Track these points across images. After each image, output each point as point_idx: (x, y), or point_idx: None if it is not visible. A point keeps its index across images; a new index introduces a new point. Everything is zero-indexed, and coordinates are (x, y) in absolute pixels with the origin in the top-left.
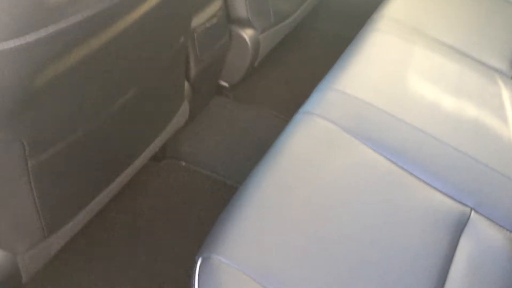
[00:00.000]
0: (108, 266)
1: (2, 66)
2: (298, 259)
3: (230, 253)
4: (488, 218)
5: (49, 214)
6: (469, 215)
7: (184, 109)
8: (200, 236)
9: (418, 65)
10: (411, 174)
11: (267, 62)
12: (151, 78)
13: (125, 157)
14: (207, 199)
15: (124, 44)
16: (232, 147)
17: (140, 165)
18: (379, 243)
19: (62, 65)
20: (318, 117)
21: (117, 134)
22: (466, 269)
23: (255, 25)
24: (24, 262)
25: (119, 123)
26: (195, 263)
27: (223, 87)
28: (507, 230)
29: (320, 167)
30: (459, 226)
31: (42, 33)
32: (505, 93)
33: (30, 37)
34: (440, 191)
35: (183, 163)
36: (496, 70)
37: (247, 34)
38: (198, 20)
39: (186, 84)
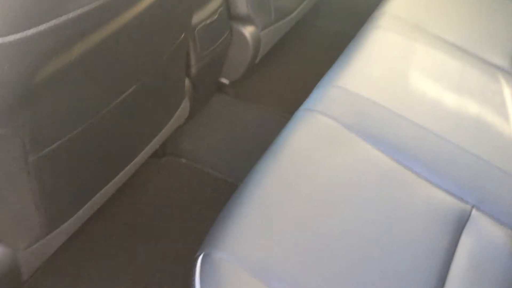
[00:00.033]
0: (108, 263)
1: (2, 61)
2: (299, 255)
3: (231, 249)
4: (490, 215)
5: (49, 210)
6: (470, 212)
7: (185, 106)
8: (200, 234)
9: (420, 62)
10: (413, 171)
11: (268, 59)
12: (152, 75)
13: (125, 154)
14: (208, 196)
15: (124, 40)
16: (232, 144)
17: (140, 162)
18: (380, 239)
19: (62, 61)
20: (319, 114)
21: (118, 131)
22: (467, 266)
23: (256, 22)
24: (24, 258)
25: (119, 119)
26: (196, 260)
27: (223, 84)
28: (509, 227)
29: (321, 164)
30: (460, 223)
31: (43, 27)
32: (506, 90)
33: (31, 32)
34: (442, 188)
35: (184, 160)
36: (498, 68)
37: (247, 31)
38: (199, 16)
39: (187, 81)
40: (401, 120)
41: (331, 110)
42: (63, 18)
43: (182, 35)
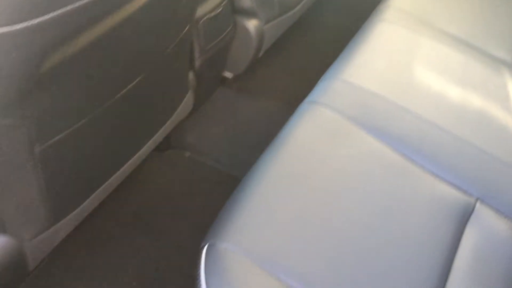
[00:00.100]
0: (112, 254)
1: (10, 49)
2: (303, 246)
3: (236, 240)
4: (493, 208)
5: (54, 201)
6: (474, 205)
7: (189, 100)
8: (204, 226)
9: (424, 55)
10: (417, 163)
11: (271, 53)
12: (156, 67)
13: (130, 146)
14: (211, 189)
15: (129, 30)
16: (236, 138)
17: (144, 155)
18: (384, 231)
19: (69, 50)
20: (323, 106)
21: (122, 123)
22: (470, 259)
23: (259, 15)
24: (30, 249)
25: (124, 111)
26: (201, 250)
27: (227, 78)
28: None
29: (325, 156)
30: (464, 216)
31: (49, 16)
32: (510, 84)
33: (38, 21)
34: (445, 181)
35: (187, 154)
36: (502, 61)
37: (251, 24)
38: (203, 9)
39: (191, 74)
40: (405, 113)
41: (335, 102)
42: (70, 7)
43: (186, 28)
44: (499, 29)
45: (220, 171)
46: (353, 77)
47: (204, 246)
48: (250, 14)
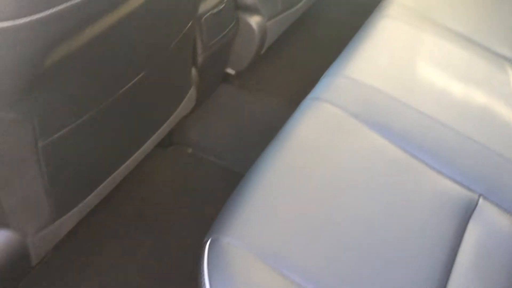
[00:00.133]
0: (115, 250)
1: (13, 44)
2: (305, 241)
3: (239, 234)
4: (496, 205)
5: (57, 196)
6: (477, 202)
7: (191, 96)
8: (206, 222)
9: (427, 51)
10: (419, 160)
11: (274, 50)
12: (159, 63)
13: (132, 142)
14: (214, 185)
15: (132, 26)
16: (238, 134)
17: (147, 150)
18: (386, 227)
19: (72, 45)
20: (326, 102)
21: (125, 118)
22: (473, 255)
23: (262, 12)
24: (33, 244)
25: (127, 107)
26: (204, 245)
27: (229, 74)
28: None
29: (328, 152)
30: (467, 212)
31: (53, 11)
32: None
33: (42, 15)
34: (448, 177)
35: (190, 150)
36: (505, 58)
37: (254, 21)
38: (206, 6)
39: (193, 70)
40: (408, 109)
41: (338, 99)
42: (73, 2)
43: (189, 24)
44: (503, 26)
45: (223, 167)
46: (356, 73)
47: (207, 240)
48: (252, 10)
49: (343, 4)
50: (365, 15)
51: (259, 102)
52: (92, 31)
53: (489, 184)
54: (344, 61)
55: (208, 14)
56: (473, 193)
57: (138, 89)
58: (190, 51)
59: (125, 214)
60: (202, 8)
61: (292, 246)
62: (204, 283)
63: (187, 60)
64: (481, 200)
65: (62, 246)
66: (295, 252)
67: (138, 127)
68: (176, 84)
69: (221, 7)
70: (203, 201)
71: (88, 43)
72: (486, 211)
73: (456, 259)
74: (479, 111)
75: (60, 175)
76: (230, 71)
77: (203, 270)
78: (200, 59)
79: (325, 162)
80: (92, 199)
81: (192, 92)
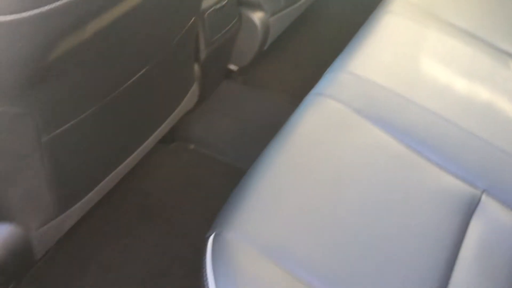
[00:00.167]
0: (118, 245)
1: (17, 37)
2: (309, 236)
3: (242, 229)
4: (500, 200)
5: (61, 191)
6: (480, 197)
7: (194, 92)
8: (208, 218)
9: (430, 47)
10: (422, 155)
11: (277, 46)
12: (162, 58)
13: (135, 138)
14: (216, 181)
15: (135, 20)
16: (241, 130)
17: (149, 146)
18: (389, 223)
19: (76, 39)
20: (329, 98)
21: (128, 114)
22: (476, 251)
23: (265, 7)
24: (37, 238)
25: (130, 102)
26: (207, 240)
27: (232, 70)
28: None
29: (331, 147)
30: (470, 208)
31: (57, 5)
32: None
33: (46, 9)
34: (451, 173)
35: (192, 146)
36: (509, 54)
37: (257, 16)
38: (209, 1)
39: (196, 66)
40: (411, 105)
41: (341, 94)
42: None
43: (192, 20)
44: (506, 22)
45: (225, 164)
46: (360, 69)
47: (210, 235)
48: (255, 6)
49: (346, 0)
50: (368, 11)
51: (261, 98)
52: (95, 26)
53: (492, 180)
54: (347, 57)
55: (211, 9)
56: (476, 189)
57: (141, 85)
58: (192, 47)
59: (127, 209)
60: (205, 3)
61: (295, 240)
62: (207, 278)
63: (190, 56)
64: (484, 196)
65: (65, 241)
66: (298, 247)
67: (140, 122)
68: (179, 79)
69: (224, 2)
70: (206, 197)
71: (90, 38)
72: (489, 207)
73: (459, 255)
74: (483, 107)
75: (62, 170)
76: (233, 67)
77: (205, 264)
78: (203, 55)
79: (328, 158)
80: (94, 195)
81: (194, 88)
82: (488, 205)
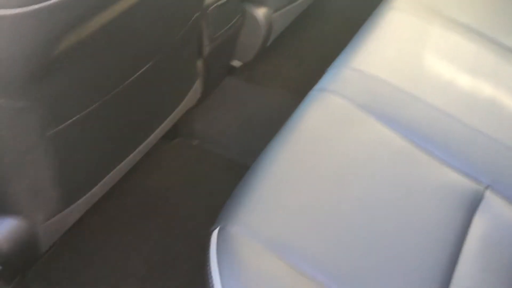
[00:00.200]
0: (121, 241)
1: (24, 31)
2: (312, 230)
3: (247, 223)
4: (503, 196)
5: (65, 186)
6: (484, 193)
7: (197, 88)
8: (212, 213)
9: (434, 44)
10: (426, 151)
11: (280, 42)
12: (166, 54)
13: (138, 133)
14: (219, 177)
15: (139, 15)
16: (244, 126)
17: (152, 142)
18: (392, 218)
19: (81, 33)
20: (333, 94)
21: (132, 109)
22: (479, 247)
23: (268, 3)
24: (42, 232)
25: (134, 98)
26: (211, 234)
27: (235, 66)
28: None
29: (334, 143)
30: (474, 204)
31: None
32: None
33: (51, 2)
34: (455, 168)
35: (195, 142)
36: None
37: (260, 12)
38: None
39: (199, 62)
40: (415, 101)
41: (345, 90)
42: None
43: (195, 15)
44: (510, 18)
45: (228, 159)
46: (363, 64)
47: (215, 229)
48: (258, 2)
49: None
50: (371, 7)
51: (265, 94)
52: (98, 21)
53: (496, 175)
54: (351, 53)
55: (214, 5)
56: (479, 184)
57: (144, 80)
58: (196, 43)
59: (130, 205)
60: None
61: (299, 235)
62: (212, 271)
63: (193, 52)
64: (487, 191)
65: (69, 236)
66: (301, 241)
67: (144, 118)
68: (182, 75)
69: None
70: (209, 193)
71: (94, 33)
72: (493, 203)
73: (462, 250)
74: (486, 103)
75: (66, 165)
76: (236, 63)
77: (210, 258)
78: (206, 50)
79: (332, 153)
80: (98, 190)
81: (198, 84)
82: (492, 200)
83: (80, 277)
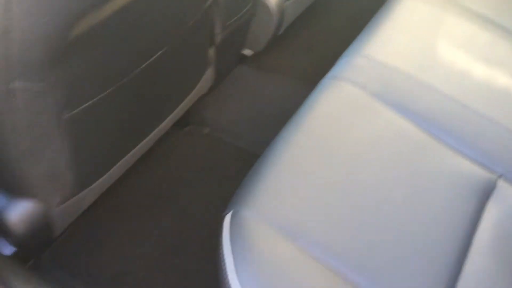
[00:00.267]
0: (134, 225)
1: (41, 14)
2: (324, 215)
3: (259, 208)
4: None
5: (80, 169)
6: (496, 182)
7: (208, 76)
8: (223, 201)
9: (448, 32)
10: (439, 140)
11: (291, 31)
12: (178, 41)
13: (150, 120)
14: (230, 166)
15: (152, 2)
16: (255, 115)
17: (164, 129)
18: (404, 206)
19: (95, 18)
20: (345, 82)
21: (145, 95)
22: (491, 236)
23: None
24: (57, 215)
25: (147, 83)
26: (223, 218)
27: (246, 55)
28: None
29: (347, 130)
30: (486, 193)
31: None
32: None
33: None
34: (468, 157)
35: (206, 130)
36: None
37: (272, 1)
38: None
39: (211, 50)
40: (429, 89)
41: (358, 78)
42: None
43: (208, 3)
44: None
45: (239, 148)
46: (376, 52)
47: (227, 213)
48: None
49: None
50: None
51: (276, 83)
52: (114, 6)
53: (509, 165)
54: (363, 41)
55: None
56: (492, 173)
57: (157, 66)
58: (207, 31)
59: (143, 190)
60: None
61: (312, 221)
62: (225, 255)
63: (205, 39)
64: (500, 180)
65: (83, 219)
66: (314, 227)
67: (156, 104)
68: (194, 62)
69: None
70: (220, 180)
71: (109, 18)
72: (506, 192)
73: (474, 240)
74: (501, 93)
75: (82, 149)
76: (248, 52)
77: (222, 242)
78: (218, 38)
79: (344, 140)
80: (111, 175)
81: (209, 72)
82: (504, 190)
83: (93, 260)
